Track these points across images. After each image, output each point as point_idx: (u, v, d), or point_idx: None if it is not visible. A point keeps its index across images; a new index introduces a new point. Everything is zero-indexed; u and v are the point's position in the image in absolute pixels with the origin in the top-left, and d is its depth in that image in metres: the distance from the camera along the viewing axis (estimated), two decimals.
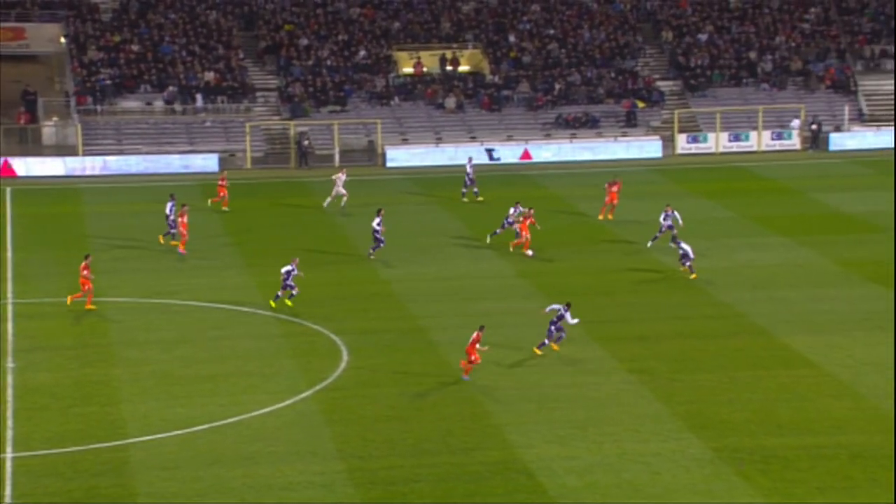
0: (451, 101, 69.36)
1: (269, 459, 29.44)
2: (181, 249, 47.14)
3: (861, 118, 68.60)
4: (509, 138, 67.63)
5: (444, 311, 40.70)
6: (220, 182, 55.05)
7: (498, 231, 48.09)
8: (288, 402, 32.97)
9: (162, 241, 48.45)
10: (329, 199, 54.79)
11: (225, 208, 54.40)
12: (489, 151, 65.36)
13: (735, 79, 70.44)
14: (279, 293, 40.48)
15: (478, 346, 34.11)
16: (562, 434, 30.68)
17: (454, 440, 30.48)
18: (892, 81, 70.24)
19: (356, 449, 29.96)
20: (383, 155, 66.14)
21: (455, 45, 71.94)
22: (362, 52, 70.98)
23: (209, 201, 54.57)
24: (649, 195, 57.59)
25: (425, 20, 73.13)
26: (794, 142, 66.88)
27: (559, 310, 36.20)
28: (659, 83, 70.64)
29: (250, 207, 55.45)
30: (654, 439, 30.25)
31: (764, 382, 33.80)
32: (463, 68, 71.60)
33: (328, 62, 70.34)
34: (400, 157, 65.95)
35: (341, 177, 54.94)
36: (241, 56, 70.52)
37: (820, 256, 45.86)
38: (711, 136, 67.17)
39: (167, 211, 48.61)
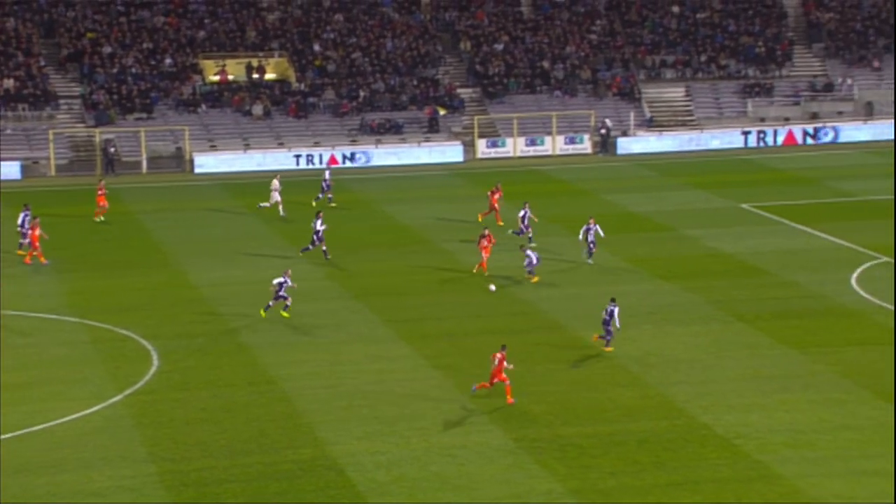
0: (258, 109, 68.68)
1: (76, 466, 28.54)
2: (42, 260, 45.34)
3: (648, 124, 70.91)
4: (316, 144, 67.41)
5: (255, 314, 40.22)
6: (98, 191, 52.87)
7: (519, 233, 47.62)
8: (96, 408, 32.02)
9: (21, 254, 46.45)
10: (267, 204, 53.57)
11: (99, 219, 52.46)
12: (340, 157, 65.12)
13: (530, 86, 71.96)
14: (270, 303, 38.99)
15: (505, 364, 31.93)
16: (371, 430, 30.75)
17: (266, 440, 30.18)
18: (673, 89, 72.95)
19: (167, 452, 29.33)
20: (191, 161, 65.00)
21: (261, 54, 71.28)
22: (168, 60, 69.59)
23: (98, 216, 52.42)
24: (451, 198, 58.34)
25: (230, 29, 72.20)
26: (586, 146, 68.71)
27: (609, 309, 35.58)
28: (459, 90, 71.57)
29: (56, 215, 53.60)
30: (460, 433, 30.60)
31: (561, 375, 34.58)
32: (269, 76, 70.99)
33: (133, 70, 68.68)
34: (208, 163, 64.93)
35: (276, 184, 53.64)
36: (43, 63, 68.14)
37: (611, 254, 47.15)
38: (509, 140, 68.42)
39: (19, 221, 46.67)
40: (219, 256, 47.23)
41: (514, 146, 68.24)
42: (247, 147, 66.83)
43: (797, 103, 71.57)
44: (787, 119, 70.94)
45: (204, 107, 68.27)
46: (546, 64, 72.71)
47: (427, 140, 68.37)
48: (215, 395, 33.08)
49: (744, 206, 54.81)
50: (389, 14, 74.90)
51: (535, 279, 43.24)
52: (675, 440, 29.84)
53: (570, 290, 42.57)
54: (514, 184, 61.37)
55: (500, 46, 73.55)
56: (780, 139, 68.93)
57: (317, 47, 72.19)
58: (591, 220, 45.30)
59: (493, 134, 69.47)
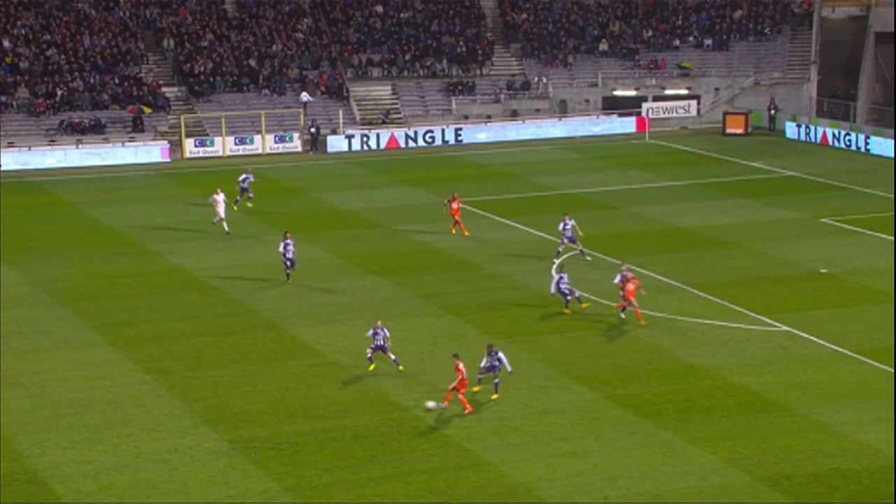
0: None
1: None
2: None
3: (385, 118, 71.43)
4: (10, 145, 64.24)
5: None
6: None
7: (560, 249, 44.94)
8: None
9: None
10: (219, 219, 49.22)
11: None
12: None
13: (237, 85, 71.25)
14: (393, 357, 34.18)
15: (462, 373, 30.91)
16: (77, 439, 29.67)
17: None
18: (380, 88, 73.98)
19: None
20: None
21: None
22: None
23: None
24: (158, 199, 57.05)
25: None
26: (296, 144, 68.68)
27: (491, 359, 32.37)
28: (164, 89, 69.99)
29: None
30: (171, 436, 30.01)
31: (276, 374, 34.47)
32: None
33: None
34: None
35: (216, 198, 49.20)
36: None
37: (324, 251, 47.37)
38: (218, 140, 67.50)
39: None
40: None
41: (224, 145, 67.40)
42: None
43: (498, 101, 74.13)
44: (489, 116, 73.34)
45: None
46: (253, 62, 72.17)
47: (132, 140, 66.48)
48: None
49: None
50: (86, 10, 72.32)
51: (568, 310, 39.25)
52: (389, 433, 30.32)
53: (283, 289, 42.44)
54: (225, 183, 60.66)
55: (205, 44, 72.41)
56: (480, 136, 71.14)
57: (6, 43, 68.81)
58: (567, 217, 44.20)
59: (200, 133, 68.33)
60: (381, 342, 34.36)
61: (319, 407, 32.03)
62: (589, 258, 45.03)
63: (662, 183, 59.96)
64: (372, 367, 34.42)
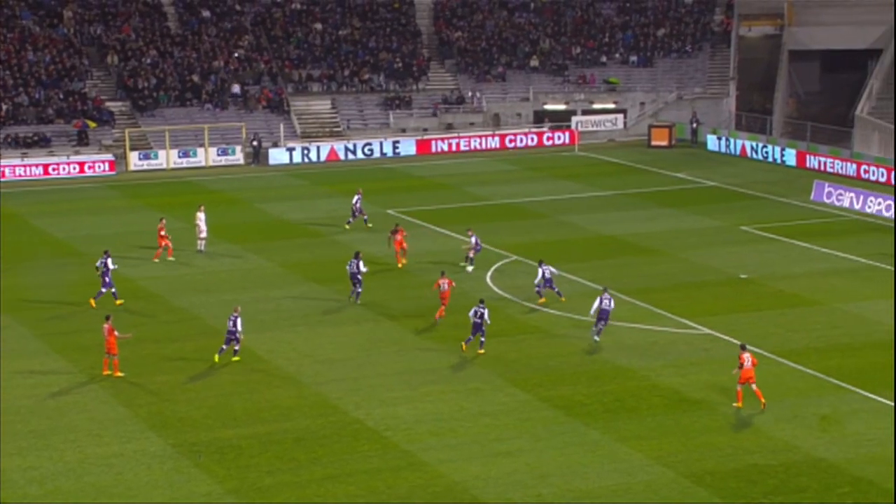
0: None
1: None
2: None
3: (301, 135, 71.28)
4: None
5: None
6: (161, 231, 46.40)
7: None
8: None
9: None
10: (201, 242, 47.29)
11: (169, 258, 46.33)
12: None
13: (181, 100, 70.63)
14: (223, 346, 34.08)
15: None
16: (22, 445, 29.17)
17: None
18: (320, 102, 73.75)
19: None
20: None
21: None
22: None
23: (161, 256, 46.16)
24: (105, 210, 56.39)
25: None
26: (239, 157, 68.21)
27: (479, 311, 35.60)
28: (108, 104, 69.19)
29: None
30: (116, 441, 29.61)
31: (219, 379, 34.14)
32: None
33: None
34: None
35: (200, 215, 47.25)
36: None
37: (265, 260, 47.08)
38: (162, 153, 66.86)
39: None
40: None
41: (167, 158, 66.76)
42: None
43: (434, 115, 74.21)
44: (425, 130, 73.39)
45: None
46: (196, 78, 71.58)
47: (77, 153, 65.61)
48: None
49: (389, 211, 56.16)
50: (30, 27, 71.29)
51: (543, 300, 40.44)
52: (330, 436, 30.16)
53: (224, 297, 42.06)
54: (168, 195, 60.18)
55: (148, 60, 71.70)
56: (416, 149, 71.19)
57: None
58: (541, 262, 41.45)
59: (144, 146, 67.63)
60: (238, 334, 34.60)
61: (262, 411, 31.77)
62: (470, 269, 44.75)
63: (591, 193, 60.37)
64: (218, 359, 34.73)
